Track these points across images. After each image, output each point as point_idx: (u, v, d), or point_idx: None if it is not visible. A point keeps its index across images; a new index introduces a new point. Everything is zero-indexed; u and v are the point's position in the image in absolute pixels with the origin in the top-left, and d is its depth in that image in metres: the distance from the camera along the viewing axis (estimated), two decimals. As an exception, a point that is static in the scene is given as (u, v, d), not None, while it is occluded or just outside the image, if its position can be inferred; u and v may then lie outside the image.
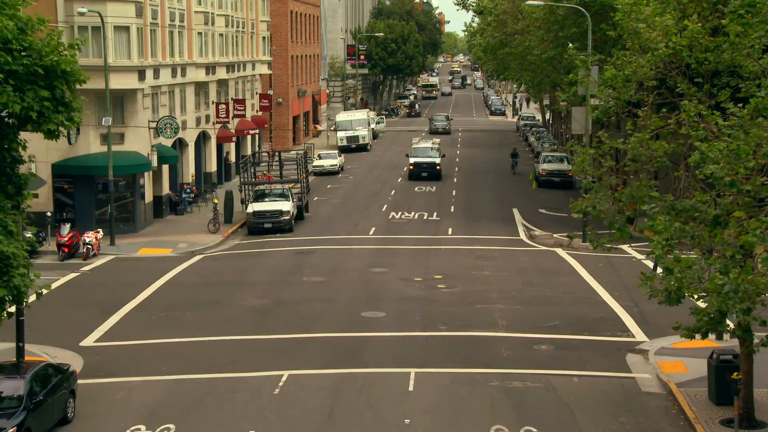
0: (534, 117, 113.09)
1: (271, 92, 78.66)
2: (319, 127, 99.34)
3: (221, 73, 63.61)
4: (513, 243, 47.30)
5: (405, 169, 72.26)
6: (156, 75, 51.40)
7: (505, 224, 52.12)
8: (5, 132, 22.42)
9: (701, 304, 21.55)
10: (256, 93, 76.08)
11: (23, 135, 23.25)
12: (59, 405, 23.09)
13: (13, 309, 23.92)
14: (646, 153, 23.93)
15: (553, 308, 34.03)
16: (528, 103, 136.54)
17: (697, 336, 21.21)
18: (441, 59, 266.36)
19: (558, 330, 31.28)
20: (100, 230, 44.84)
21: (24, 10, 22.30)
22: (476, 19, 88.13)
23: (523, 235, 49.22)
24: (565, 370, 27.10)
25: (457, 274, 39.59)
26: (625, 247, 43.06)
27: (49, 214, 45.28)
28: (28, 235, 25.45)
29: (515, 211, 55.92)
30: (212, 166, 63.71)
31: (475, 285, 37.59)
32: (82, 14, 43.95)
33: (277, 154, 60.31)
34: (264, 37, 76.98)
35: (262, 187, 53.03)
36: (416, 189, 64.80)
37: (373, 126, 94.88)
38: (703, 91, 25.85)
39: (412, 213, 55.46)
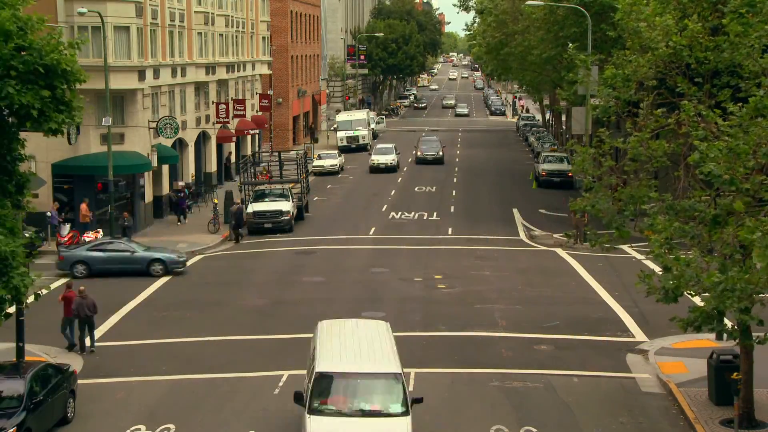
0: (534, 117, 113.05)
1: (271, 92, 78.65)
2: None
3: (221, 73, 63.59)
4: (513, 243, 47.29)
5: (405, 168, 72.32)
6: (156, 75, 51.38)
7: (505, 224, 52.10)
8: (6, 130, 22.40)
9: (699, 302, 21.54)
10: (256, 93, 76.06)
11: (23, 134, 23.23)
12: (59, 405, 23.07)
13: (12, 309, 23.89)
14: (646, 153, 23.90)
15: (553, 308, 34.01)
16: (517, 107, 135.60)
17: (691, 329, 21.22)
18: (441, 59, 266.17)
19: (558, 330, 31.26)
20: (100, 230, 44.81)
21: (24, 9, 22.28)
22: (477, 20, 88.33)
23: (523, 235, 49.21)
24: (565, 370, 27.08)
25: (457, 274, 39.58)
26: (625, 247, 43.04)
27: (49, 214, 45.25)
28: (28, 234, 25.43)
29: (515, 211, 55.92)
30: (212, 166, 63.70)
31: (475, 285, 37.59)
32: (82, 14, 43.89)
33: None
34: (264, 37, 76.95)
35: (262, 187, 53.02)
36: (416, 189, 64.79)
37: (373, 126, 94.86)
38: (703, 91, 25.80)
39: (412, 213, 55.43)
